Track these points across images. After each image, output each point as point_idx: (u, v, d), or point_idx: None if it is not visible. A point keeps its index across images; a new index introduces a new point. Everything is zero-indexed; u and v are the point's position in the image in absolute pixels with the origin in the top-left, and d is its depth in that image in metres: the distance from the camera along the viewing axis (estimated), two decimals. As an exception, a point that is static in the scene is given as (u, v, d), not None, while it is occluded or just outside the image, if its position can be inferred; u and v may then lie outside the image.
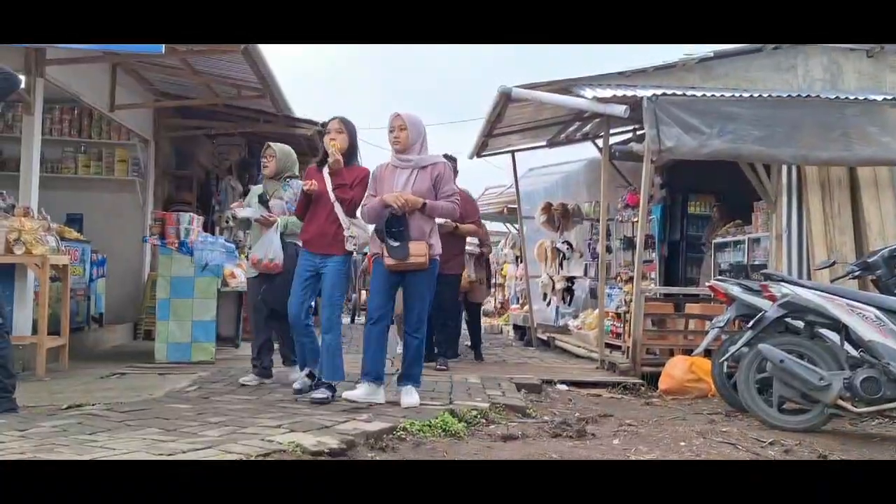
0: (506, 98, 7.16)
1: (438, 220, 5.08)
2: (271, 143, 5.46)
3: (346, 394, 4.47)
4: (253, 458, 2.91)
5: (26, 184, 6.04)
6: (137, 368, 5.92)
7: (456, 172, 6.48)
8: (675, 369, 5.92)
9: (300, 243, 4.86)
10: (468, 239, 7.02)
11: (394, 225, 4.36)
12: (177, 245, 6.50)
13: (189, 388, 4.97)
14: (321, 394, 4.41)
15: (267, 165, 5.39)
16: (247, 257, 6.55)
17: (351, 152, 4.69)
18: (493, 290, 13.33)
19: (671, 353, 6.55)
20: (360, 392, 4.45)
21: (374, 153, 16.47)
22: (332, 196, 4.60)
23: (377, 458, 3.30)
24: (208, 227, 8.78)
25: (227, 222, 8.82)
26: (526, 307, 10.51)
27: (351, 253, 4.66)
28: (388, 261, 4.39)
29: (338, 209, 4.59)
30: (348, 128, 4.71)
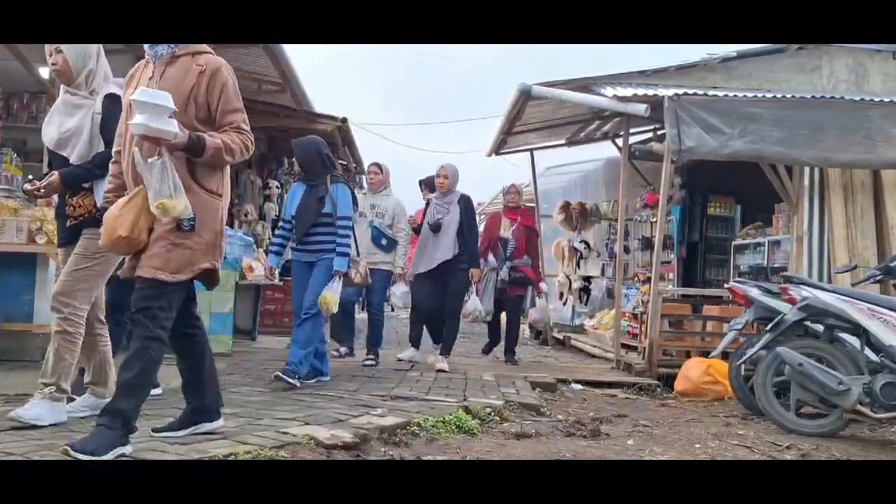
0: (525, 96, 7.14)
1: None
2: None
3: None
4: (267, 449, 2.93)
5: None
6: (155, 359, 5.96)
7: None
8: (692, 371, 5.88)
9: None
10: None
11: None
12: (195, 238, 6.53)
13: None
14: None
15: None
16: (265, 252, 6.58)
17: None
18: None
19: (687, 355, 6.50)
20: None
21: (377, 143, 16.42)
22: None
23: (390, 453, 3.31)
24: (227, 221, 8.84)
25: (245, 216, 8.88)
26: (542, 306, 10.48)
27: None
28: None
29: None
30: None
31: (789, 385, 4.58)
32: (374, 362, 6.13)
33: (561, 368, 6.95)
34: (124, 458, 2.72)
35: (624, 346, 7.41)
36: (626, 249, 8.67)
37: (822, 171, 6.65)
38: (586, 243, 10.27)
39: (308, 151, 5.20)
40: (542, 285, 7.54)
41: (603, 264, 9.95)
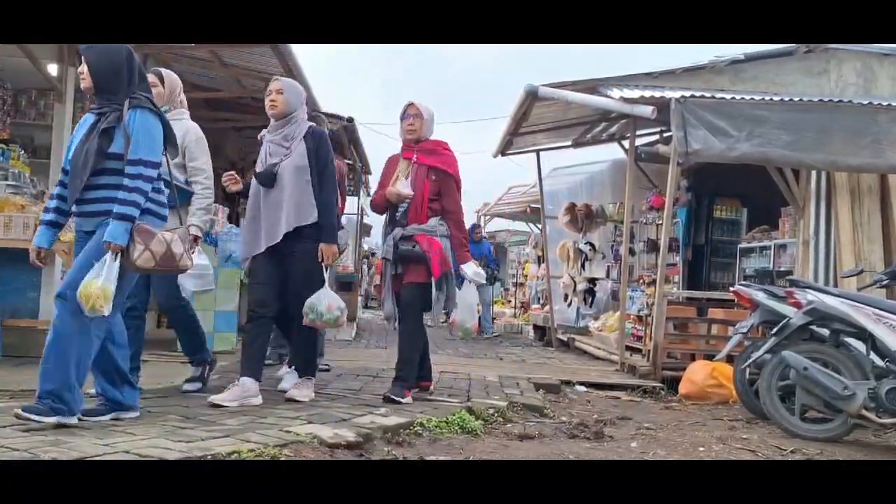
0: (532, 97, 7.14)
1: None
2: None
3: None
4: (270, 448, 2.93)
5: (56, 171, 6.15)
6: (160, 356, 5.98)
7: None
8: (696, 374, 5.86)
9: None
10: None
11: None
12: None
13: (210, 377, 4.99)
14: None
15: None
16: None
17: None
18: None
19: (692, 358, 6.50)
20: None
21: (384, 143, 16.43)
22: None
23: (393, 453, 3.31)
24: (233, 219, 8.85)
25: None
26: (546, 307, 10.48)
27: None
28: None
29: None
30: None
31: (794, 389, 4.56)
32: (199, 383, 4.38)
33: (565, 370, 6.95)
34: (125, 458, 2.72)
35: (628, 348, 7.40)
36: (632, 251, 8.65)
37: (828, 175, 6.63)
38: (591, 245, 10.27)
39: (107, 55, 3.25)
40: (468, 267, 4.38)
41: (608, 266, 9.94)
